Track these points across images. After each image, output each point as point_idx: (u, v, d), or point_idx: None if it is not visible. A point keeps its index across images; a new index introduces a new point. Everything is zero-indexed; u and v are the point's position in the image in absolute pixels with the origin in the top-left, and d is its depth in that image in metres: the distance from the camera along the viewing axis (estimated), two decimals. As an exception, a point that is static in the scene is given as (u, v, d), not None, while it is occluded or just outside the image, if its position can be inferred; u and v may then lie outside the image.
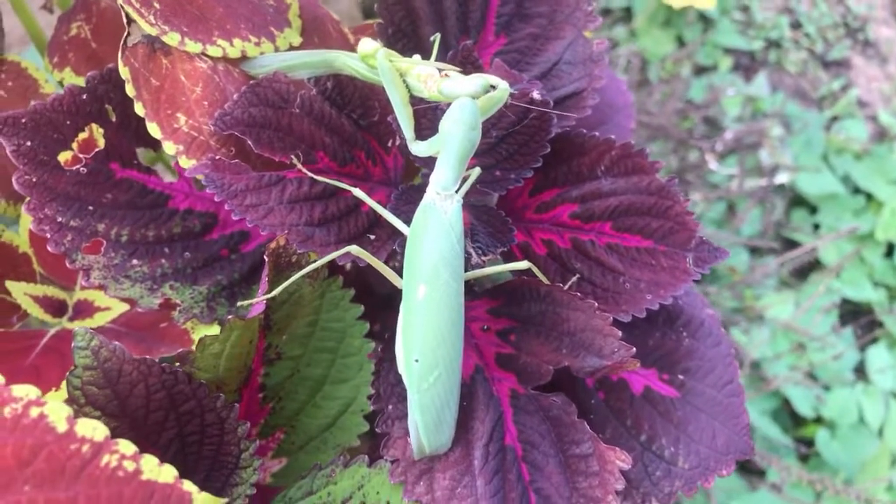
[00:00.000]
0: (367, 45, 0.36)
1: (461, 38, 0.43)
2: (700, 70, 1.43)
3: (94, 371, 0.32)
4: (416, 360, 0.34)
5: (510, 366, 0.39)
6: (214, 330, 0.40)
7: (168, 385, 0.33)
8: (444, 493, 0.35)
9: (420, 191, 0.40)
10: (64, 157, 0.39)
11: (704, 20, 1.46)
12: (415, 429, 0.35)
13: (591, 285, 0.40)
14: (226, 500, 0.29)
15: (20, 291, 0.43)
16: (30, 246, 0.45)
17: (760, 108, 1.35)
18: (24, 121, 0.39)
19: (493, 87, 0.36)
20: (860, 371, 1.26)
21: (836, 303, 1.28)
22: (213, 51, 0.37)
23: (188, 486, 0.27)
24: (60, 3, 0.50)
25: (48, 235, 0.38)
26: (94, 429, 0.27)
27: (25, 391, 0.27)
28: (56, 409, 0.27)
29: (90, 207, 0.40)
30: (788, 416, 1.24)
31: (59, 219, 0.39)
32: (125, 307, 0.44)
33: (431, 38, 0.39)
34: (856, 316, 1.30)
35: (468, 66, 0.41)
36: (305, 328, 0.38)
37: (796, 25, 1.51)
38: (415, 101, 0.37)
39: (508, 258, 0.42)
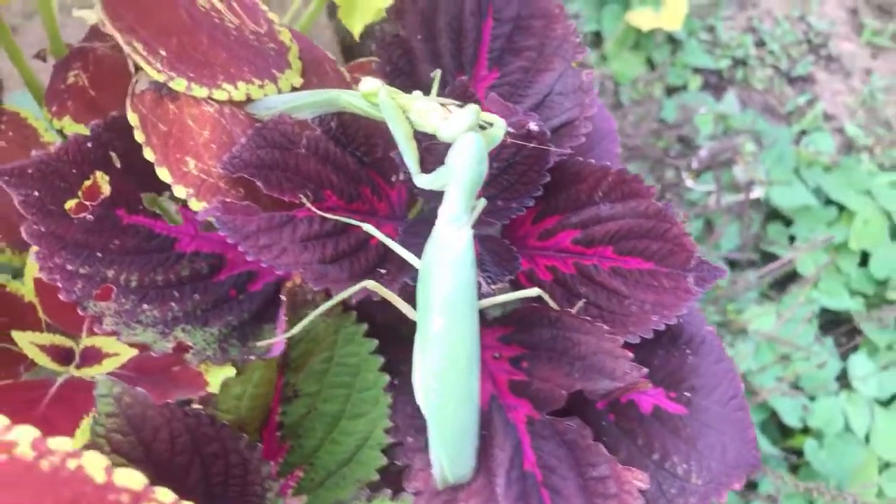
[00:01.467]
0: (369, 83, 0.37)
1: (456, 74, 0.44)
2: (671, 90, 1.46)
3: (117, 418, 0.33)
4: (434, 391, 0.35)
5: (524, 392, 0.40)
6: (228, 371, 0.40)
7: (192, 428, 0.34)
8: (469, 522, 0.36)
9: (427, 223, 0.41)
10: (70, 205, 0.40)
11: (672, 41, 1.50)
12: (437, 460, 0.36)
13: (597, 308, 0.41)
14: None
15: (26, 341, 0.43)
16: (35, 295, 0.45)
17: (732, 126, 1.38)
18: (30, 171, 0.39)
19: (490, 124, 0.37)
20: (843, 379, 1.28)
21: (815, 312, 1.30)
22: (219, 94, 0.38)
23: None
24: (54, 51, 0.50)
25: (59, 284, 0.39)
26: (132, 478, 0.27)
27: (62, 443, 0.27)
28: (93, 460, 0.27)
29: (99, 254, 0.40)
30: (776, 428, 1.26)
31: (69, 267, 0.39)
32: (134, 352, 0.44)
33: (431, 75, 0.41)
34: (836, 325, 1.33)
35: (466, 100, 0.42)
36: (321, 364, 0.39)
37: (760, 44, 1.55)
38: (419, 134, 0.38)
39: (515, 287, 0.42)
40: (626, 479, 0.38)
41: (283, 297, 0.36)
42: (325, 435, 0.40)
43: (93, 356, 0.45)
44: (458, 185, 0.35)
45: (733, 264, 1.27)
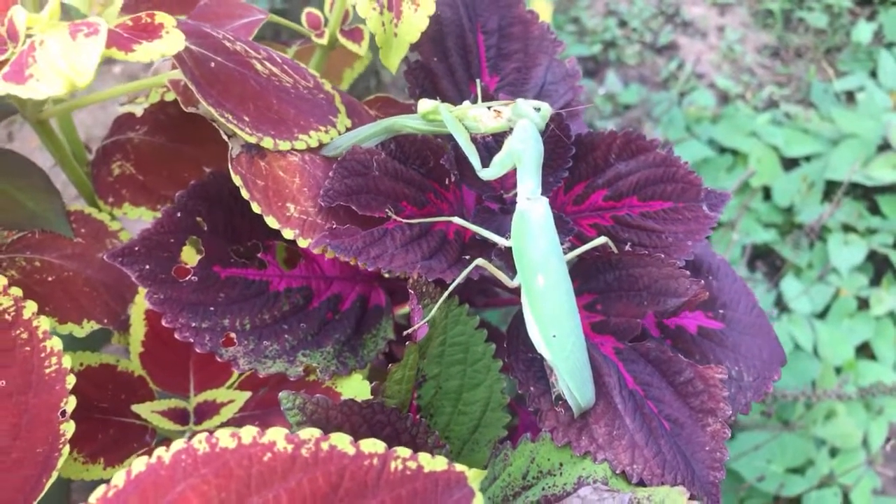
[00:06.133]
0: (427, 104, 0.45)
1: (470, 84, 0.52)
2: (557, 83, 1.58)
3: (305, 425, 0.39)
4: (554, 336, 0.43)
5: (605, 329, 0.48)
6: (352, 381, 0.47)
7: (368, 418, 0.40)
8: (605, 439, 0.44)
9: (487, 211, 0.49)
10: (176, 271, 0.45)
11: (545, 39, 1.63)
12: (568, 392, 0.43)
13: (642, 247, 0.50)
14: (485, 471, 0.36)
15: (147, 411, 0.48)
16: (142, 368, 0.50)
17: (621, 102, 1.52)
18: (136, 248, 0.45)
19: (538, 109, 0.45)
20: (780, 304, 1.42)
21: (741, 252, 1.44)
22: (299, 145, 0.44)
23: (460, 467, 0.34)
24: (78, 157, 0.55)
25: (191, 340, 0.44)
26: (374, 444, 0.34)
27: (309, 433, 0.33)
28: (340, 438, 0.33)
29: (211, 308, 0.46)
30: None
31: (193, 324, 0.45)
32: (247, 395, 0.50)
33: (478, 82, 0.48)
34: (761, 258, 1.47)
35: (489, 100, 0.50)
36: (438, 347, 0.45)
37: (623, 24, 1.71)
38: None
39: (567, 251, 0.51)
40: (708, 375, 0.46)
41: (412, 292, 0.43)
42: (453, 409, 0.46)
43: (208, 409, 0.50)
44: (528, 165, 0.43)
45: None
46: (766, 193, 1.53)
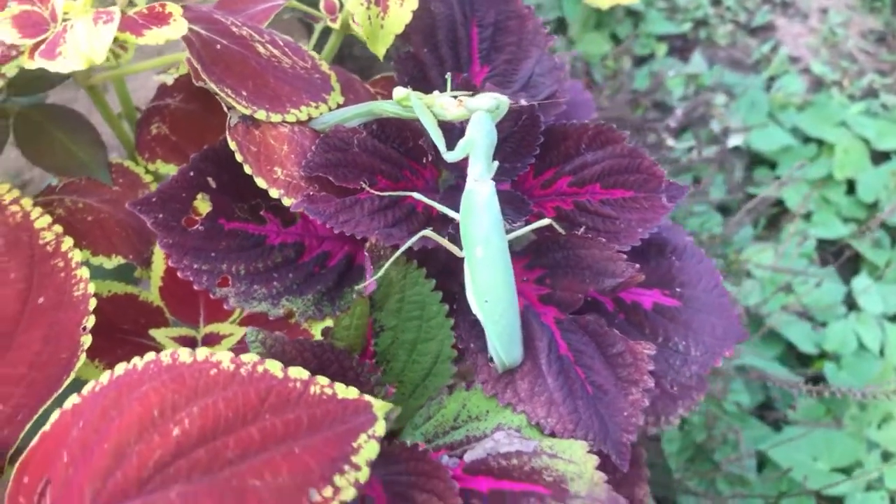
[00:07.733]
0: (400, 91, 0.53)
1: (457, 73, 0.61)
2: (640, 61, 1.63)
3: (266, 357, 0.48)
4: (486, 301, 0.51)
5: (550, 301, 0.56)
6: (325, 325, 0.56)
7: (318, 355, 0.50)
8: (526, 394, 0.52)
9: (455, 190, 0.58)
10: (186, 220, 0.56)
11: (633, 15, 1.66)
12: (495, 352, 0.51)
13: (596, 231, 0.57)
14: (391, 405, 0.45)
15: (163, 336, 0.59)
16: (161, 299, 0.61)
17: (702, 83, 1.55)
18: (154, 199, 0.55)
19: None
20: (850, 304, 1.43)
21: (811, 244, 1.46)
22: (290, 118, 0.54)
23: (368, 398, 0.43)
24: (128, 115, 0.66)
25: (191, 279, 0.55)
26: (299, 371, 0.43)
27: (249, 357, 0.43)
28: (273, 364, 0.43)
29: (213, 254, 0.56)
30: (795, 358, 1.40)
31: (195, 266, 0.55)
32: (244, 331, 0.60)
33: (446, 76, 0.57)
34: (835, 254, 1.49)
35: (469, 90, 0.58)
36: (396, 304, 0.54)
37: (717, 2, 1.72)
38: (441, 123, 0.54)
39: (530, 226, 0.58)
40: (637, 350, 0.53)
41: (367, 254, 0.52)
42: (408, 357, 0.55)
43: (213, 340, 0.60)
44: (478, 151, 0.51)
45: (725, 210, 1.43)
46: (850, 187, 1.54)
